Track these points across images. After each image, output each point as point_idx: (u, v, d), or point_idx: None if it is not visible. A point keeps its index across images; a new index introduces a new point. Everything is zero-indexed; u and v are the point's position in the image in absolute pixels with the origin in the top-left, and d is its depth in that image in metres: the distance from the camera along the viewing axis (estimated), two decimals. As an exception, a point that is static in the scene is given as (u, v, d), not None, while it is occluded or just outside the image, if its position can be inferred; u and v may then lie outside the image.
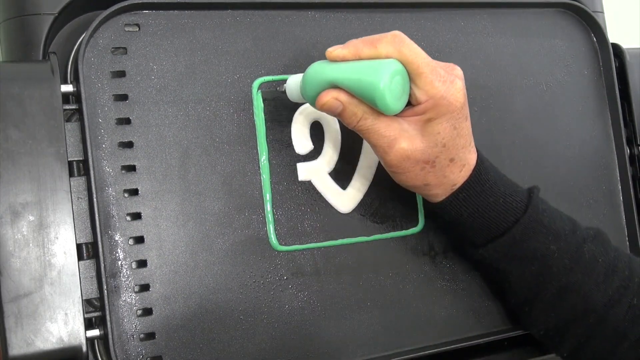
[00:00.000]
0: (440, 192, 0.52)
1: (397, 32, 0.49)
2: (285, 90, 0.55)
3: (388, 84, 0.47)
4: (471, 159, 0.52)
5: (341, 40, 0.59)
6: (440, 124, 0.49)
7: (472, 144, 0.52)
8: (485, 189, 0.52)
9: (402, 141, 0.49)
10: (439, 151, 0.50)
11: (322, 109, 0.50)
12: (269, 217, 0.55)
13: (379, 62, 0.48)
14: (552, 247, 0.53)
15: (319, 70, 0.50)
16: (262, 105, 0.56)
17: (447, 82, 0.49)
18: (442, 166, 0.51)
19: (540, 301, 0.55)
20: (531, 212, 0.53)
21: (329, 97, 0.49)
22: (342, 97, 0.49)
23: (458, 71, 0.50)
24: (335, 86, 0.49)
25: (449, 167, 0.51)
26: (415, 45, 0.49)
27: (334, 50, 0.49)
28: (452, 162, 0.51)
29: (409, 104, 0.50)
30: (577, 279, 0.54)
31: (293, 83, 0.54)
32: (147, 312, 0.51)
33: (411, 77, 0.49)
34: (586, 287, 0.54)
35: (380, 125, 0.49)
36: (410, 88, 0.49)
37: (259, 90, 0.56)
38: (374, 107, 0.48)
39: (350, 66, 0.49)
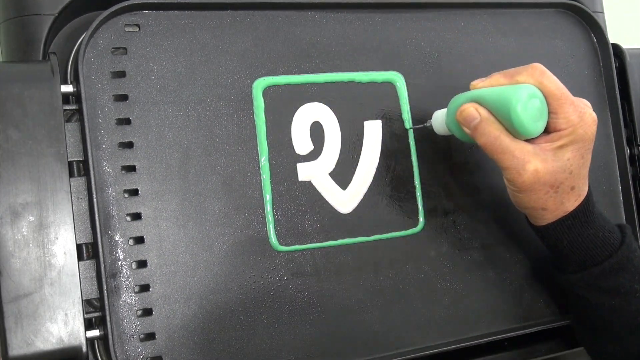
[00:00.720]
0: (550, 217, 0.54)
1: (537, 64, 0.51)
2: (431, 125, 0.57)
3: (524, 103, 0.49)
4: (585, 189, 0.54)
5: (341, 40, 0.59)
6: (571, 151, 0.51)
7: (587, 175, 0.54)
8: (589, 220, 0.54)
9: (536, 162, 0.50)
10: (565, 177, 0.52)
11: (459, 117, 0.52)
12: (269, 217, 0.55)
13: (517, 85, 0.51)
14: (636, 287, 0.55)
15: (462, 94, 0.54)
16: (262, 105, 0.56)
17: (584, 113, 0.52)
18: (563, 192, 0.52)
19: (610, 333, 0.56)
20: (624, 249, 0.54)
21: (469, 106, 0.52)
22: (482, 110, 0.51)
23: (588, 105, 0.53)
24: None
25: (568, 194, 0.53)
26: (554, 77, 0.51)
27: (475, 81, 0.53)
28: (572, 190, 0.53)
29: (545, 131, 0.52)
30: None
31: (439, 116, 0.56)
32: (147, 312, 0.51)
33: (551, 106, 0.51)
34: None
35: (516, 146, 0.50)
36: (549, 117, 0.51)
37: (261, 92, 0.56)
38: (511, 129, 0.50)
39: (490, 89, 0.52)
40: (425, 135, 0.61)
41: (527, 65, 0.52)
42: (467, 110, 0.52)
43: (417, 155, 0.60)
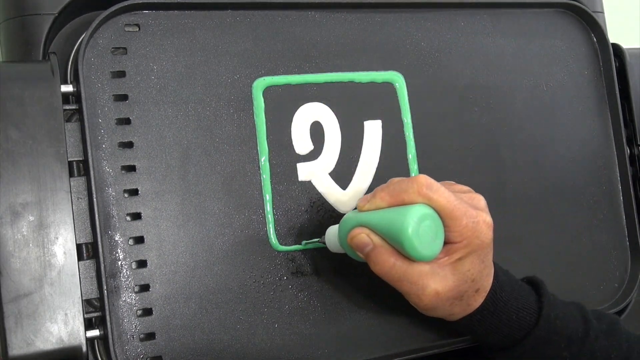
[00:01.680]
0: (458, 316, 0.53)
1: (421, 177, 0.48)
2: (324, 241, 0.55)
3: (416, 230, 0.47)
4: (490, 282, 0.52)
5: (341, 40, 0.59)
6: (470, 261, 0.49)
7: (492, 266, 0.53)
8: (498, 309, 0.52)
9: (435, 284, 0.49)
10: (468, 286, 0.50)
11: (351, 242, 0.50)
12: (269, 217, 0.55)
13: (407, 207, 0.48)
14: (565, 354, 0.53)
15: (352, 216, 0.51)
16: (262, 105, 0.56)
17: (478, 221, 0.49)
18: (467, 297, 0.51)
19: None
20: (542, 323, 0.53)
21: (360, 231, 0.49)
22: (374, 237, 0.49)
23: (482, 202, 0.51)
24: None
25: (473, 297, 0.51)
26: (443, 189, 0.48)
27: (360, 202, 0.50)
28: (476, 293, 0.51)
29: None
30: None
31: (331, 233, 0.54)
32: (147, 312, 0.51)
33: (444, 221, 0.48)
34: None
35: (413, 272, 0.48)
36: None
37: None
38: (406, 255, 0.48)
39: (380, 213, 0.49)
40: (426, 135, 0.61)
41: (411, 178, 0.49)
42: (358, 237, 0.49)
43: (417, 155, 0.60)
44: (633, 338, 0.56)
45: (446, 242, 0.49)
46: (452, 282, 0.49)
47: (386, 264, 0.49)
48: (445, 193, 0.48)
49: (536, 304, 0.53)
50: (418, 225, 0.47)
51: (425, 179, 0.48)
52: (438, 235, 0.48)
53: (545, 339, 0.53)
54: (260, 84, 0.56)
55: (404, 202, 0.48)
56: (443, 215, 0.48)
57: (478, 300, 0.52)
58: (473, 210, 0.49)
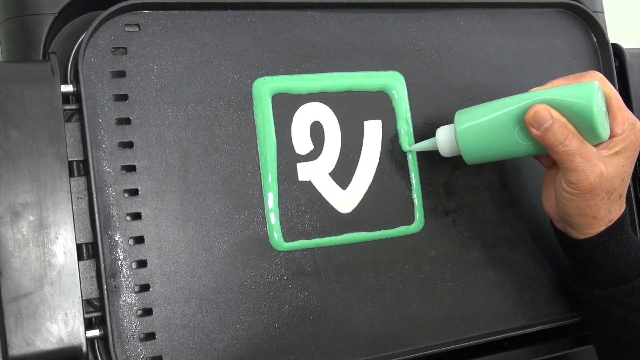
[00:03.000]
0: (597, 226, 0.54)
1: (595, 72, 0.53)
2: (435, 144, 0.56)
3: (598, 100, 0.50)
4: (624, 198, 0.55)
5: (341, 40, 0.59)
6: (625, 158, 0.53)
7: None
8: (623, 239, 0.54)
9: (601, 165, 0.51)
10: (618, 184, 0.52)
11: (530, 118, 0.51)
12: (269, 217, 0.55)
13: (585, 83, 0.51)
14: None
15: (524, 96, 0.53)
16: (262, 105, 0.56)
17: (636, 121, 0.53)
18: (614, 199, 0.53)
19: (630, 350, 0.57)
20: None
21: (542, 107, 0.51)
22: (554, 112, 0.51)
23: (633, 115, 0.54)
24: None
25: (616, 202, 0.53)
26: (611, 85, 0.53)
27: (536, 88, 0.54)
28: (619, 199, 0.54)
29: None
30: None
31: (445, 134, 0.56)
32: (147, 312, 0.51)
33: (610, 110, 0.52)
34: None
35: (585, 148, 0.51)
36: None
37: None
38: (585, 131, 0.51)
39: (559, 88, 0.52)
40: (426, 135, 0.61)
41: (586, 72, 0.53)
42: (540, 112, 0.51)
43: (417, 155, 0.60)
44: None
45: (610, 135, 0.52)
46: (611, 172, 0.52)
47: (564, 136, 0.50)
48: (613, 88, 0.53)
49: None
50: (598, 96, 0.50)
51: (598, 72, 0.53)
52: (606, 119, 0.52)
53: None
54: (260, 84, 0.56)
55: (580, 82, 0.52)
56: (611, 105, 0.53)
57: (616, 211, 0.54)
58: (631, 112, 0.53)
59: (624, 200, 0.54)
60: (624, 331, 0.56)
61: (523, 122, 0.52)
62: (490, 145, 0.54)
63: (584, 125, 0.50)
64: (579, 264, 0.58)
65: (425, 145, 0.58)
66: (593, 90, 0.50)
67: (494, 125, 0.54)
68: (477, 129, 0.54)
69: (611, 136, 0.53)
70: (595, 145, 0.52)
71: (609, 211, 0.53)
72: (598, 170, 0.51)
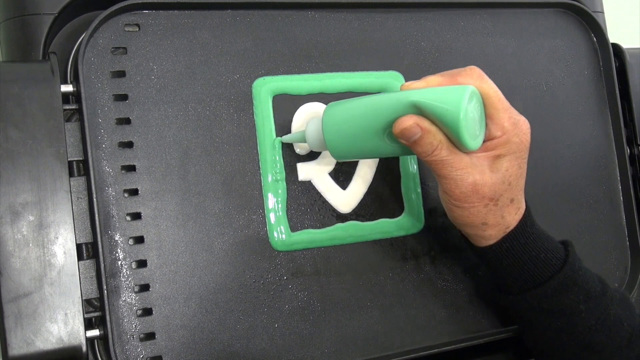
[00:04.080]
0: (493, 234, 0.51)
1: (474, 67, 0.49)
2: (304, 137, 0.53)
3: (466, 108, 0.45)
4: (523, 203, 0.52)
5: (341, 40, 0.59)
6: (509, 161, 0.49)
7: (524, 179, 0.52)
8: (528, 242, 0.52)
9: (475, 174, 0.48)
10: (504, 189, 0.49)
11: (398, 132, 0.47)
12: (269, 217, 0.55)
13: (457, 86, 0.47)
14: (581, 307, 0.53)
15: (393, 96, 0.48)
16: (262, 105, 0.56)
17: (519, 120, 0.50)
18: (503, 205, 0.50)
19: (560, 353, 0.55)
20: (567, 269, 0.52)
21: (411, 122, 0.47)
22: (424, 123, 0.47)
23: (518, 113, 0.51)
24: (415, 112, 0.47)
25: (508, 207, 0.50)
26: (491, 81, 0.49)
27: (408, 83, 0.49)
28: (511, 203, 0.50)
29: None
30: (601, 340, 0.53)
31: (314, 127, 0.52)
32: (147, 312, 0.51)
33: (487, 111, 0.49)
34: (608, 350, 0.53)
35: (455, 157, 0.48)
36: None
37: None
38: (451, 139, 0.47)
39: (430, 90, 0.47)
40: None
41: (465, 67, 0.49)
42: (409, 128, 0.47)
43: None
44: None
45: (485, 140, 0.49)
46: (489, 178, 0.49)
47: (430, 146, 0.47)
48: (494, 86, 0.49)
49: (563, 252, 0.53)
50: (469, 103, 0.46)
51: (478, 68, 0.49)
52: (481, 126, 0.48)
53: (566, 286, 0.52)
54: (260, 84, 0.56)
55: (455, 82, 0.48)
56: (488, 104, 0.48)
57: (512, 216, 0.51)
58: (514, 110, 0.50)
59: (521, 201, 0.51)
60: (549, 337, 0.54)
61: (392, 127, 0.48)
62: (358, 145, 0.50)
63: (452, 133, 0.46)
64: (490, 270, 0.56)
65: (294, 137, 0.55)
66: (463, 96, 0.45)
67: (361, 128, 0.50)
68: (344, 128, 0.50)
69: (489, 139, 0.49)
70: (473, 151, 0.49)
71: (502, 217, 0.50)
72: (470, 179, 0.48)
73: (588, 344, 0.53)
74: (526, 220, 0.52)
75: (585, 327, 0.53)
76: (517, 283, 0.54)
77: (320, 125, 0.52)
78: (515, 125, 0.49)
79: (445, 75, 0.49)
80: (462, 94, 0.46)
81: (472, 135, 0.47)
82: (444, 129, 0.47)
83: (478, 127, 0.48)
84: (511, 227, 0.51)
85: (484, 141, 0.49)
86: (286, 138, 0.56)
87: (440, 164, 0.48)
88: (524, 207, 0.52)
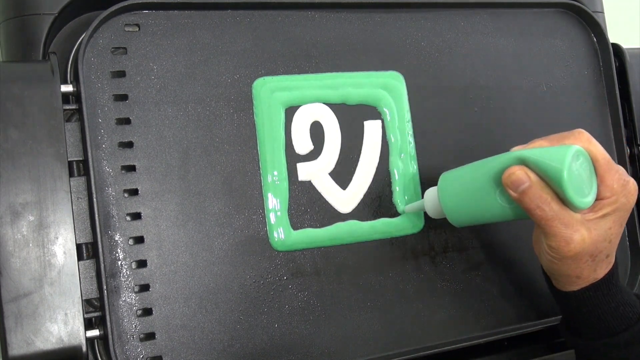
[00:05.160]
0: (580, 284, 0.52)
1: (582, 130, 0.49)
2: (423, 207, 0.55)
3: (571, 165, 0.46)
4: (614, 256, 0.52)
5: (341, 40, 0.59)
6: (613, 220, 0.49)
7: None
8: (611, 293, 0.52)
9: (583, 232, 0.48)
10: (604, 247, 0.50)
11: (507, 180, 0.48)
12: (269, 217, 0.55)
13: (563, 145, 0.48)
14: None
15: (502, 155, 0.50)
16: (262, 105, 0.56)
17: (628, 181, 0.50)
18: (599, 261, 0.50)
19: None
20: None
21: (519, 170, 0.48)
22: (532, 174, 0.48)
23: (626, 173, 0.51)
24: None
25: (602, 262, 0.51)
26: (599, 144, 0.49)
27: (519, 147, 0.50)
28: (606, 259, 0.51)
29: None
30: None
31: (431, 196, 0.54)
32: (147, 312, 0.51)
33: (597, 173, 0.49)
34: None
35: (564, 214, 0.48)
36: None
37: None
38: (560, 198, 0.47)
39: (537, 149, 0.48)
40: (426, 135, 0.61)
41: (572, 130, 0.50)
42: (516, 174, 0.48)
43: (417, 155, 0.60)
44: None
45: (597, 198, 0.49)
46: (595, 235, 0.49)
47: (542, 200, 0.47)
48: (602, 148, 0.49)
49: (638, 304, 0.54)
50: (574, 161, 0.46)
51: (585, 132, 0.50)
52: (592, 186, 0.48)
53: (638, 338, 0.53)
54: (260, 84, 0.56)
55: (563, 144, 0.49)
56: (598, 167, 0.49)
57: (602, 270, 0.51)
58: (624, 171, 0.50)
59: (613, 257, 0.52)
60: None
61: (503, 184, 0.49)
62: (473, 209, 0.52)
63: (559, 190, 0.47)
64: (566, 313, 0.56)
65: (416, 206, 0.58)
66: (567, 153, 0.46)
67: (474, 188, 0.51)
68: (458, 193, 0.52)
69: (599, 199, 0.49)
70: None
71: (594, 270, 0.51)
72: (579, 237, 0.48)
73: None
74: (613, 272, 0.52)
75: None
76: (592, 330, 0.54)
77: (437, 193, 0.54)
78: (624, 187, 0.49)
79: (552, 138, 0.50)
80: (567, 151, 0.46)
81: (580, 193, 0.47)
82: (552, 186, 0.47)
83: (587, 186, 0.48)
84: (598, 279, 0.52)
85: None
86: (409, 208, 0.58)
87: (550, 220, 0.48)
88: (614, 260, 0.52)
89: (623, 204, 0.50)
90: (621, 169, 0.50)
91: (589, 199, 0.48)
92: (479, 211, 0.52)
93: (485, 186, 0.50)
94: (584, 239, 0.48)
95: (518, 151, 0.49)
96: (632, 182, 0.50)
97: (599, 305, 0.52)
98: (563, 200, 0.48)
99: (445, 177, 0.54)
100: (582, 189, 0.47)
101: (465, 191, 0.52)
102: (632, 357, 0.53)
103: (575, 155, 0.47)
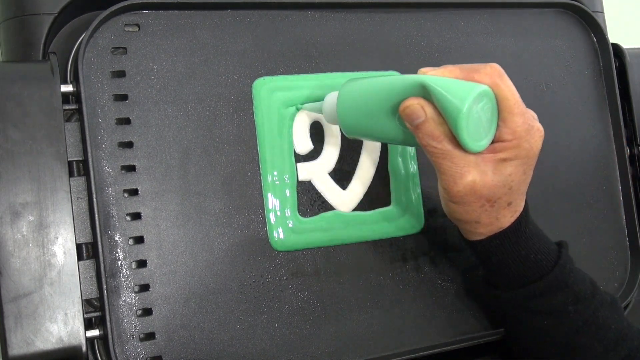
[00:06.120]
0: (484, 232, 0.51)
1: (495, 65, 0.47)
2: (313, 110, 0.54)
3: (471, 108, 0.44)
4: (522, 206, 0.51)
5: (341, 40, 0.59)
6: (514, 165, 0.48)
7: (527, 186, 0.51)
8: (520, 241, 0.51)
9: (475, 174, 0.47)
10: (504, 192, 0.48)
11: (402, 112, 0.47)
12: (269, 217, 0.55)
13: (470, 82, 0.46)
14: (570, 308, 0.52)
15: (406, 77, 0.47)
16: (262, 105, 0.56)
17: (533, 126, 0.48)
18: (499, 207, 0.49)
19: (542, 353, 0.54)
20: (557, 271, 0.52)
21: (416, 102, 0.46)
22: (429, 109, 0.46)
23: (536, 118, 0.49)
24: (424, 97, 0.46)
25: (504, 209, 0.49)
26: (511, 82, 0.47)
27: (426, 68, 0.48)
28: (509, 206, 0.49)
29: None
30: (587, 342, 0.53)
31: (331, 101, 0.52)
32: (147, 312, 0.51)
33: (501, 113, 0.47)
34: (594, 352, 0.53)
35: (455, 153, 0.46)
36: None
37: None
38: (454, 136, 0.46)
39: (443, 79, 0.46)
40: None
41: (486, 63, 0.47)
42: (412, 107, 0.46)
43: (418, 155, 0.60)
44: (631, 322, 0.56)
45: (495, 139, 0.48)
46: (490, 180, 0.47)
47: (435, 137, 0.46)
48: (513, 87, 0.47)
49: (556, 253, 0.52)
50: (476, 103, 0.45)
51: (499, 67, 0.47)
52: (490, 129, 0.47)
53: (555, 287, 0.52)
54: (260, 84, 0.56)
55: (472, 78, 0.47)
56: (502, 107, 0.47)
57: (507, 218, 0.50)
58: (531, 116, 0.48)
59: (520, 205, 0.50)
60: (532, 336, 0.53)
61: None
62: (368, 123, 0.50)
63: (453, 128, 0.45)
64: (481, 265, 0.55)
65: (313, 107, 0.55)
66: (470, 93, 0.44)
67: (372, 104, 0.49)
68: (357, 103, 0.50)
69: (498, 140, 0.47)
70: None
71: (496, 218, 0.49)
72: (469, 178, 0.47)
73: (573, 346, 0.53)
74: (521, 220, 0.51)
75: (571, 328, 0.52)
76: (505, 281, 0.53)
77: (336, 98, 0.52)
78: (528, 132, 0.47)
79: (464, 69, 0.47)
80: (471, 91, 0.45)
81: (474, 137, 0.46)
82: (448, 123, 0.46)
83: (485, 129, 0.46)
84: (504, 228, 0.51)
85: (492, 142, 0.48)
86: (306, 107, 0.56)
87: (441, 157, 0.47)
88: (521, 209, 0.51)
89: (526, 150, 0.47)
90: (529, 112, 0.48)
91: (483, 142, 0.46)
92: (374, 127, 0.50)
93: (384, 104, 0.48)
94: (474, 181, 0.47)
95: (422, 76, 0.47)
96: (538, 127, 0.48)
97: (507, 254, 0.51)
98: (457, 139, 0.46)
99: (348, 87, 0.51)
100: (478, 132, 0.46)
101: (364, 103, 0.50)
102: (552, 306, 0.52)
103: (479, 96, 0.45)
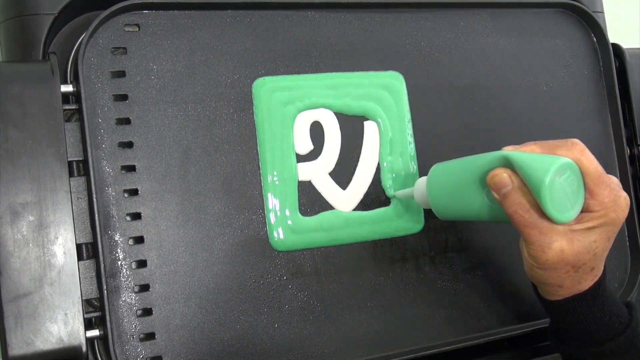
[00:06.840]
0: (563, 294, 0.51)
1: (576, 140, 0.48)
2: (412, 195, 0.55)
3: (553, 180, 0.45)
4: (602, 270, 0.51)
5: (341, 40, 0.59)
6: (599, 233, 0.48)
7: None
8: (596, 303, 0.51)
9: (563, 242, 0.47)
10: (588, 258, 0.49)
11: (490, 181, 0.48)
12: (269, 217, 0.55)
13: (552, 156, 0.47)
14: None
15: (491, 153, 0.49)
16: (262, 105, 0.56)
17: (620, 195, 0.48)
18: (583, 272, 0.49)
19: None
20: (629, 333, 0.52)
21: (502, 171, 0.47)
22: (515, 178, 0.47)
23: (620, 185, 0.49)
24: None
25: (587, 274, 0.50)
26: (593, 156, 0.48)
27: (509, 147, 0.49)
28: (591, 271, 0.50)
29: None
30: None
31: (422, 185, 0.54)
32: (147, 312, 0.51)
33: (588, 186, 0.47)
34: None
35: (543, 223, 0.47)
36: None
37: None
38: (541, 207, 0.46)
39: (526, 154, 0.47)
40: (426, 135, 0.61)
41: (567, 140, 0.48)
42: (499, 176, 0.47)
43: (417, 156, 0.60)
44: None
45: (583, 210, 0.48)
46: (577, 247, 0.48)
47: (521, 206, 0.47)
48: (595, 160, 0.48)
49: (627, 316, 0.53)
50: (558, 175, 0.45)
51: (580, 142, 0.48)
52: (577, 200, 0.47)
53: (624, 348, 0.52)
54: (260, 84, 0.56)
55: (554, 154, 0.48)
56: (588, 180, 0.47)
57: (587, 282, 0.50)
58: (616, 185, 0.49)
59: (600, 269, 0.51)
60: None
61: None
62: (458, 204, 0.51)
63: (538, 201, 0.46)
64: (552, 321, 0.56)
65: (406, 193, 0.57)
66: (552, 165, 0.45)
67: (462, 183, 0.51)
68: (445, 185, 0.52)
69: (587, 211, 0.48)
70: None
71: (578, 282, 0.50)
72: (557, 247, 0.47)
73: None
74: (600, 284, 0.51)
75: None
76: (576, 338, 0.53)
77: (425, 184, 0.53)
78: (615, 202, 0.48)
79: (544, 146, 0.49)
80: (553, 163, 0.45)
81: (560, 208, 0.46)
82: (533, 194, 0.47)
83: (571, 201, 0.47)
84: (582, 291, 0.51)
85: (580, 212, 0.48)
86: (398, 193, 0.58)
87: (529, 226, 0.47)
88: (600, 273, 0.51)
89: (612, 219, 0.48)
90: (614, 182, 0.49)
91: (570, 213, 0.47)
92: (465, 207, 0.51)
93: (472, 183, 0.50)
94: (562, 249, 0.48)
95: (506, 152, 0.48)
96: (624, 197, 0.49)
97: (583, 315, 0.51)
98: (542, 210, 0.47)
99: (436, 169, 0.53)
100: (563, 203, 0.46)
101: (452, 185, 0.52)
102: None
103: (561, 169, 0.46)
